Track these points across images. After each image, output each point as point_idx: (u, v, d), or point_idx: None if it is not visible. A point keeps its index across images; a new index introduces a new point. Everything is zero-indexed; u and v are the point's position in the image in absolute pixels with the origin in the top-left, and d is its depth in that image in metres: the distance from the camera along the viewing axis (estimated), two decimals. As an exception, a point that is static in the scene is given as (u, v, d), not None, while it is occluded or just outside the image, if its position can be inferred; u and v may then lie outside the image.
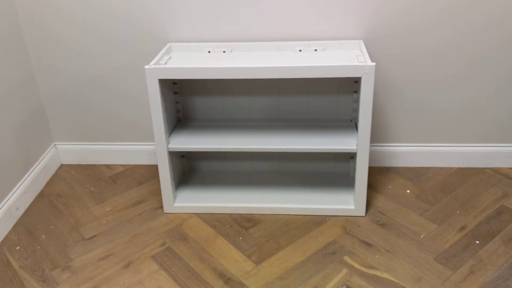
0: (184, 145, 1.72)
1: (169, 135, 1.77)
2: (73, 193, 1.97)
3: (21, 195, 1.85)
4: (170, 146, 1.71)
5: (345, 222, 1.72)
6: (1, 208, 1.73)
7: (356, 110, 1.82)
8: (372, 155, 2.02)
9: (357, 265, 1.53)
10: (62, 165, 2.16)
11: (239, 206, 1.79)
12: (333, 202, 1.78)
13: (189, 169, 2.02)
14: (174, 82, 1.84)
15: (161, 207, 1.84)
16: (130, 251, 1.63)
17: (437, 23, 1.76)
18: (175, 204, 1.80)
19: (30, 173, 1.93)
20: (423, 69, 1.84)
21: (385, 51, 1.82)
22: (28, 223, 1.80)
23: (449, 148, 1.99)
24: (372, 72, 1.50)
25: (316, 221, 1.73)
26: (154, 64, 1.61)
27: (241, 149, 1.70)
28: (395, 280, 1.47)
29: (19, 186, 1.85)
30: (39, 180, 1.98)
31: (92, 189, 1.98)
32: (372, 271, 1.51)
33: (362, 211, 1.74)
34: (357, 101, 1.79)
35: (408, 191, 1.88)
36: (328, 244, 1.62)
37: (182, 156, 1.97)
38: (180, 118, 1.91)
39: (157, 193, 1.93)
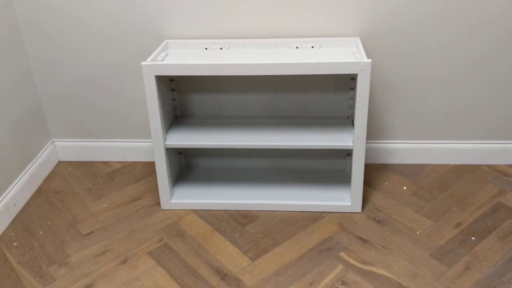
0: (181, 142, 1.72)
1: (166, 132, 1.78)
2: (71, 189, 1.97)
3: (19, 192, 1.85)
4: (167, 143, 1.72)
5: (341, 219, 1.73)
6: (-2, 204, 1.74)
7: (352, 107, 1.82)
8: (369, 152, 2.03)
9: (353, 261, 1.54)
10: (59, 162, 2.16)
11: (236, 202, 1.79)
12: (329, 199, 1.78)
13: (186, 166, 2.03)
14: (171, 79, 1.84)
15: (158, 203, 1.85)
16: (127, 247, 1.64)
17: (434, 21, 1.76)
18: (172, 201, 1.80)
19: (28, 169, 1.93)
20: (419, 66, 1.85)
21: (382, 49, 1.82)
22: (26, 220, 1.80)
23: (445, 145, 2.00)
24: (368, 69, 1.51)
25: (313, 218, 1.74)
26: (151, 60, 1.61)
27: (238, 146, 1.71)
28: (391, 276, 1.48)
29: (16, 183, 1.85)
30: (37, 176, 1.99)
31: (90, 185, 1.99)
32: (368, 267, 1.51)
33: (358, 208, 1.75)
34: (353, 98, 1.80)
35: (404, 188, 1.89)
36: (324, 240, 1.63)
37: (180, 153, 1.97)
38: (177, 115, 1.91)
39: (154, 189, 1.93)
